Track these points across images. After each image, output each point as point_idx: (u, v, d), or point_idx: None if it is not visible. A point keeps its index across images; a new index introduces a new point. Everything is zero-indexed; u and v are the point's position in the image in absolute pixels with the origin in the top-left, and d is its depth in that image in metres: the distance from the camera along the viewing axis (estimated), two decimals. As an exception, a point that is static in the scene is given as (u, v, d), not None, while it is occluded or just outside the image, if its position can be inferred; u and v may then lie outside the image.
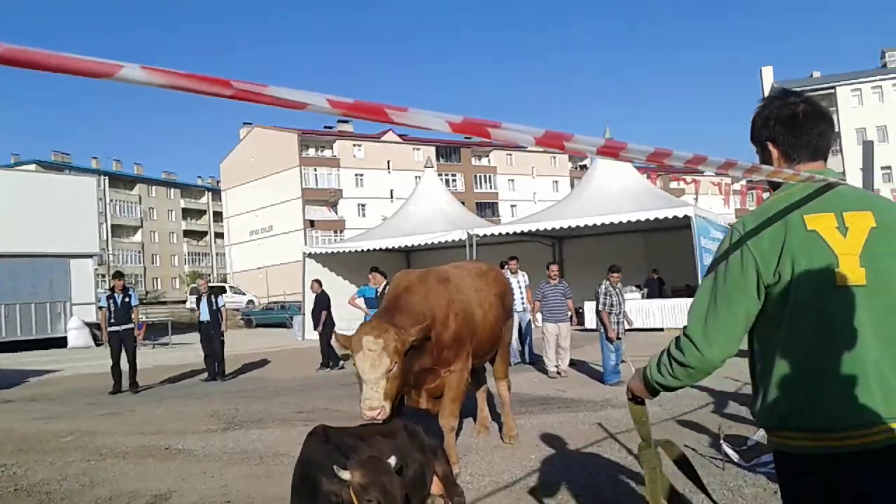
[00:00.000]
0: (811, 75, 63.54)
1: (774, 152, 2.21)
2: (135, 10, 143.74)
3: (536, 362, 13.47)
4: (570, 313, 12.41)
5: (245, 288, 67.94)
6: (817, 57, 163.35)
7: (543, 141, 1.51)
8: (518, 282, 13.67)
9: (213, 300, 14.33)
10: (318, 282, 16.25)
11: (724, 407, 8.25)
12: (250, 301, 49.70)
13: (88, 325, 27.04)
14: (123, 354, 12.65)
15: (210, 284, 15.83)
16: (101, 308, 13.52)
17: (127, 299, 12.88)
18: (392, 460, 3.76)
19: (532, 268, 14.79)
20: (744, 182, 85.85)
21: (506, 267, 13.73)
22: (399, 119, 1.31)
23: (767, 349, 2.09)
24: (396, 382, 4.94)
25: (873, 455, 1.93)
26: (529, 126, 1.50)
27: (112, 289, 13.10)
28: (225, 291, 46.73)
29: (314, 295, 16.13)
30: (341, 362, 14.68)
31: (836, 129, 57.52)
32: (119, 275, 13.50)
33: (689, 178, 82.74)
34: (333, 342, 5.34)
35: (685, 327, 2.20)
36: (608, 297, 10.94)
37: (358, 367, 4.87)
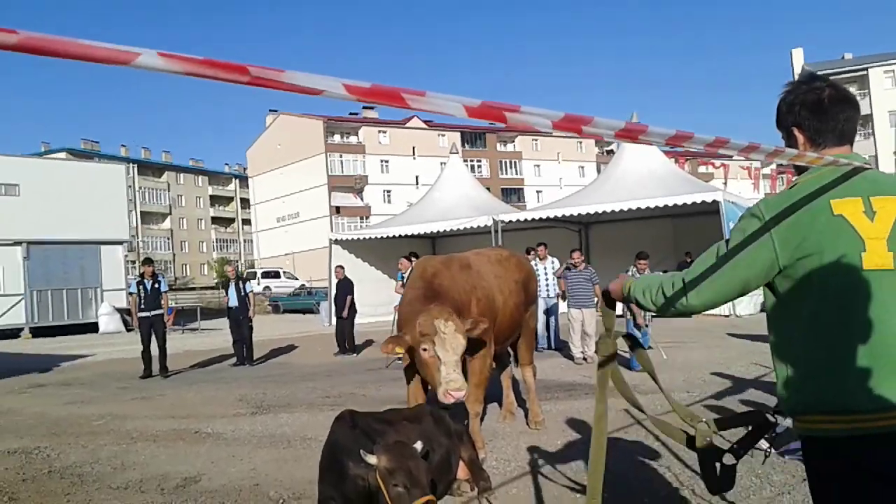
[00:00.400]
0: (842, 57, 62.41)
1: (800, 137, 2.21)
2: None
3: (562, 348, 13.44)
4: (595, 300, 12.33)
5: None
6: (849, 38, 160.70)
7: (562, 125, 1.49)
8: (545, 268, 13.64)
9: (242, 286, 14.47)
10: (342, 267, 16.32)
11: (751, 394, 8.18)
12: (303, 285, 48.40)
13: (119, 310, 27.41)
14: (154, 339, 12.83)
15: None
16: (131, 294, 13.69)
17: (157, 285, 13.04)
18: (418, 445, 3.77)
19: (558, 254, 14.71)
20: (773, 166, 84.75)
21: (532, 253, 13.70)
22: (416, 104, 1.29)
23: (791, 334, 2.09)
24: (461, 364, 5.11)
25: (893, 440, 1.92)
26: (548, 109, 1.47)
27: (142, 275, 13.25)
28: (279, 276, 47.25)
29: (337, 280, 16.18)
30: (354, 353, 15.09)
31: (869, 112, 56.53)
32: (148, 261, 13.64)
33: (717, 163, 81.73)
34: (385, 347, 5.37)
35: (686, 272, 2.25)
36: None
37: (437, 350, 4.96)
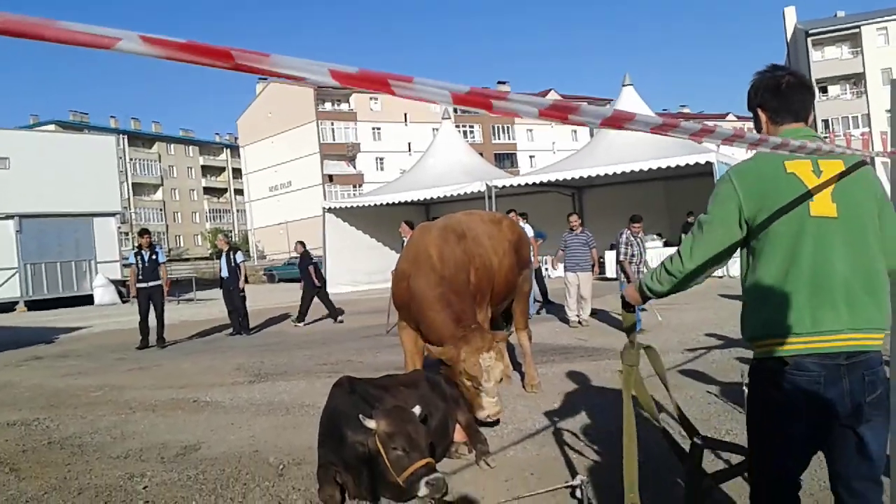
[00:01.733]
0: (835, 15, 61.81)
1: (763, 116, 2.62)
2: None
3: (555, 312, 13.48)
4: (592, 263, 12.32)
5: (265, 244, 68.39)
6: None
7: (548, 112, 1.50)
8: None
9: (232, 256, 14.49)
10: (302, 243, 16.35)
11: (743, 352, 8.24)
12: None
13: (113, 282, 27.40)
14: (152, 310, 12.84)
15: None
16: (129, 265, 13.66)
17: (154, 256, 13.01)
18: (416, 409, 3.80)
19: (553, 218, 14.78)
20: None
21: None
22: (403, 91, 1.29)
23: (752, 273, 2.50)
24: None
25: (835, 358, 2.33)
26: (534, 97, 1.50)
27: (139, 246, 13.21)
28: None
29: (299, 256, 16.28)
30: (299, 321, 15.11)
31: (861, 70, 56.21)
32: (145, 231, 13.57)
33: (710, 124, 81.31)
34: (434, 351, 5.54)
35: (680, 245, 2.68)
36: (629, 247, 10.92)
37: (483, 383, 5.13)
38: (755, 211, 2.45)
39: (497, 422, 5.46)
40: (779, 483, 2.51)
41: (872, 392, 2.35)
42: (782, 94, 2.58)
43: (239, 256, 14.77)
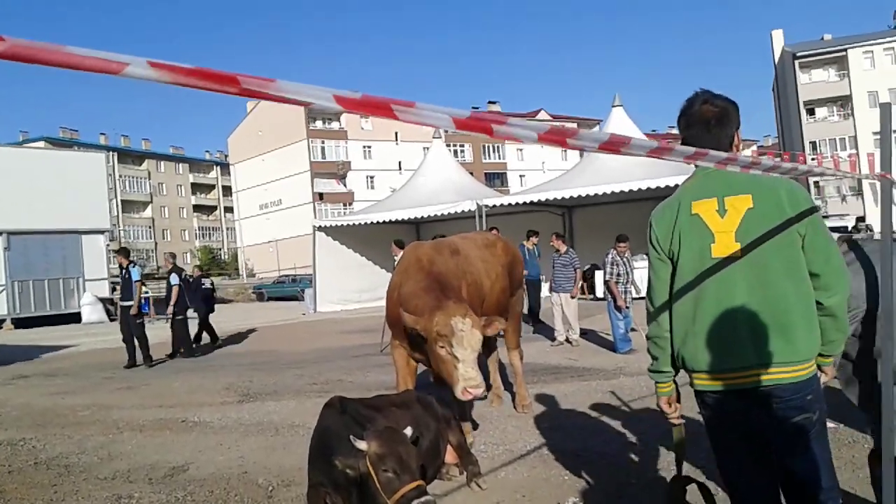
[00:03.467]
0: (822, 38, 62.48)
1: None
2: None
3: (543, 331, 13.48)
4: (575, 284, 12.27)
5: (255, 262, 68.22)
6: (828, 19, 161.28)
7: (547, 137, 1.53)
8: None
9: (128, 271, 13.04)
10: (172, 254, 15.10)
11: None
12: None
13: (101, 300, 27.21)
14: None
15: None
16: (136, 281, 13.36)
17: (128, 275, 12.79)
18: (408, 430, 3.78)
19: (543, 238, 14.76)
20: (755, 148, 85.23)
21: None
22: (405, 116, 1.31)
23: (673, 310, 2.64)
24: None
25: (748, 393, 2.45)
26: (533, 121, 1.53)
27: (119, 265, 13.16)
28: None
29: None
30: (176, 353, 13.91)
31: (848, 93, 56.69)
32: (123, 251, 13.51)
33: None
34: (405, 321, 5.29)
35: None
36: (615, 267, 10.99)
37: (456, 349, 4.88)
38: (667, 250, 2.63)
39: (482, 397, 5.15)
40: (746, 500, 2.63)
41: (785, 418, 2.42)
42: (691, 128, 2.67)
43: (134, 273, 12.90)
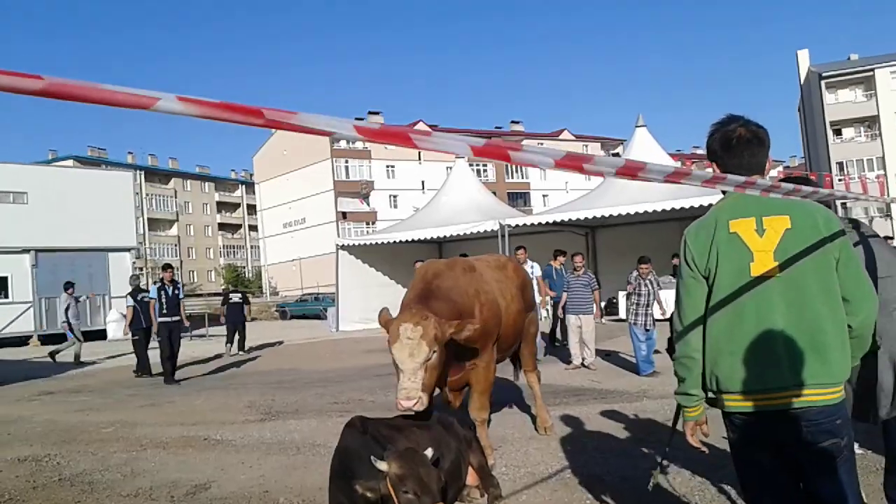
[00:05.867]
0: (848, 58, 62.04)
1: (718, 170, 2.70)
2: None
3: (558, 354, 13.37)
4: (594, 306, 12.19)
5: (278, 280, 68.58)
6: (855, 39, 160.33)
7: (564, 163, 1.54)
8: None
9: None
10: (134, 275, 16.03)
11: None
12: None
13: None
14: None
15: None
16: (150, 299, 13.58)
17: (176, 291, 13.19)
18: (429, 452, 3.77)
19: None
20: (780, 168, 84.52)
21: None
22: (423, 144, 1.35)
23: (707, 328, 2.61)
24: (435, 373, 4.80)
25: (779, 415, 2.45)
26: (550, 148, 1.54)
27: (162, 280, 13.33)
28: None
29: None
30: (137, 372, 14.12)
31: (876, 113, 56.16)
32: (168, 266, 13.75)
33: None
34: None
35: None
36: (637, 288, 11.01)
37: (395, 356, 4.73)
38: (704, 268, 2.61)
39: (413, 412, 4.63)
40: None
41: (814, 442, 2.42)
42: (733, 150, 2.67)
43: (152, 292, 13.44)
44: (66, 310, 17.52)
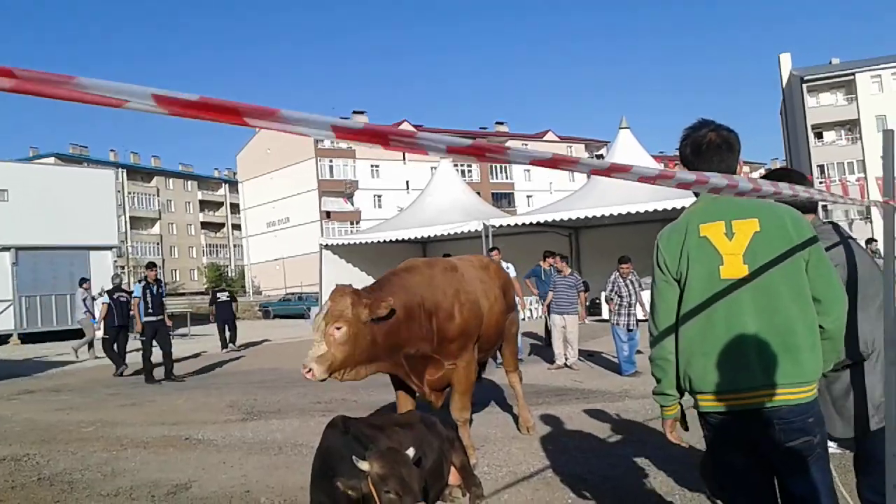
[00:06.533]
0: (830, 62, 62.60)
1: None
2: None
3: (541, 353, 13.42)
4: (579, 306, 12.23)
5: (261, 280, 68.32)
6: (836, 44, 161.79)
7: (547, 164, 1.53)
8: None
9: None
10: (115, 274, 16.48)
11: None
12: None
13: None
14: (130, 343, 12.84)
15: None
16: (134, 298, 13.42)
17: (160, 290, 13.12)
18: (410, 451, 3.77)
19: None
20: (762, 171, 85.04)
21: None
22: (403, 145, 1.31)
23: (680, 331, 2.65)
24: (342, 349, 4.82)
25: (752, 414, 2.48)
26: (535, 150, 1.57)
27: (146, 278, 13.23)
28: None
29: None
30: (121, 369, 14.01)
31: (856, 117, 56.69)
32: (153, 265, 13.64)
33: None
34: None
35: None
36: (615, 288, 11.10)
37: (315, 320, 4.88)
38: (675, 272, 2.66)
39: (317, 380, 4.94)
40: None
41: (787, 440, 2.46)
42: (703, 155, 2.72)
43: (136, 290, 13.41)
44: (84, 301, 18.26)
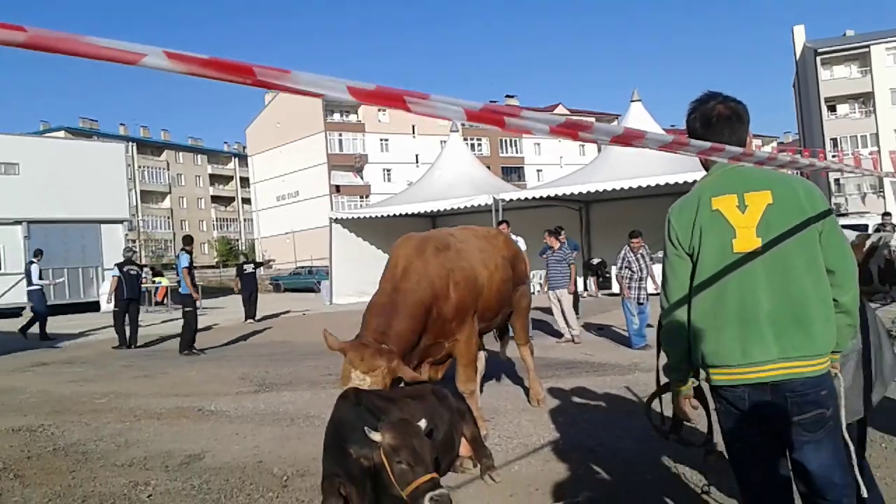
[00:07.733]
0: (844, 34, 61.75)
1: None
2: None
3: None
4: (570, 280, 12.14)
5: (271, 253, 68.59)
6: (851, 15, 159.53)
7: (559, 130, 1.52)
8: None
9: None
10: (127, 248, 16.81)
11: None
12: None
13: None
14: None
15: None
16: (183, 268, 13.61)
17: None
18: (422, 423, 3.79)
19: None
20: (774, 144, 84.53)
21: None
22: (418, 108, 1.31)
23: (692, 304, 2.63)
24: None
25: (766, 387, 2.46)
26: (547, 115, 1.52)
27: (190, 252, 13.78)
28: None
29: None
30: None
31: (871, 89, 56.04)
32: (191, 239, 14.42)
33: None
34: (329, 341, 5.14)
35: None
36: (625, 262, 11.15)
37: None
38: (688, 246, 2.63)
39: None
40: (760, 497, 2.63)
41: (800, 413, 2.45)
42: (713, 128, 2.68)
43: (183, 260, 13.88)
44: (33, 274, 18.26)
